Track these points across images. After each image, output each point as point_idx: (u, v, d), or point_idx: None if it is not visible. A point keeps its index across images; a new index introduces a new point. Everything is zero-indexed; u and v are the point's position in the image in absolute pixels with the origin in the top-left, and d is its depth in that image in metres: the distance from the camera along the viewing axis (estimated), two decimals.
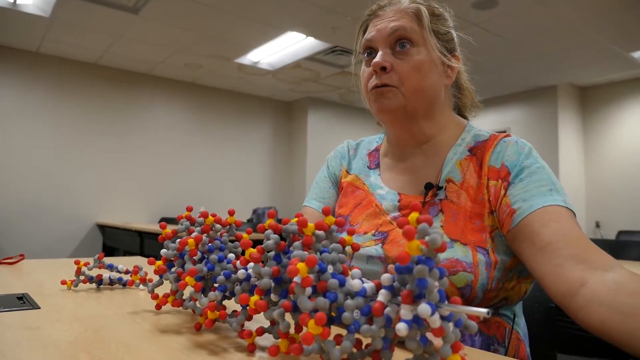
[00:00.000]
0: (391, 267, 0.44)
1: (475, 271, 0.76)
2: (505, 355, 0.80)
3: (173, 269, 0.69)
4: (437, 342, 0.41)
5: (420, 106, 0.88)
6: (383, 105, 0.88)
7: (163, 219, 5.75)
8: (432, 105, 0.90)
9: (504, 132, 0.91)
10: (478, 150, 0.88)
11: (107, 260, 0.98)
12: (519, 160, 0.82)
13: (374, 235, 0.88)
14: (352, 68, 1.00)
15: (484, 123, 6.54)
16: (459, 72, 0.95)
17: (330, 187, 1.07)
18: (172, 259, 0.69)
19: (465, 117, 1.01)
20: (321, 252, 0.52)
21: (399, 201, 0.90)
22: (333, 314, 0.48)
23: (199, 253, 0.66)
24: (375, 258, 0.85)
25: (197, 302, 0.64)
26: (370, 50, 0.91)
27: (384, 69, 0.86)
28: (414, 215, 0.41)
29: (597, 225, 6.01)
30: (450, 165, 0.88)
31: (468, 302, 0.77)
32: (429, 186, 0.87)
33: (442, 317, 0.40)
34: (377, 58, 0.86)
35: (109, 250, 5.45)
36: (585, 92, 6.30)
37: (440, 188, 0.86)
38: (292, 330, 0.53)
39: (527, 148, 0.84)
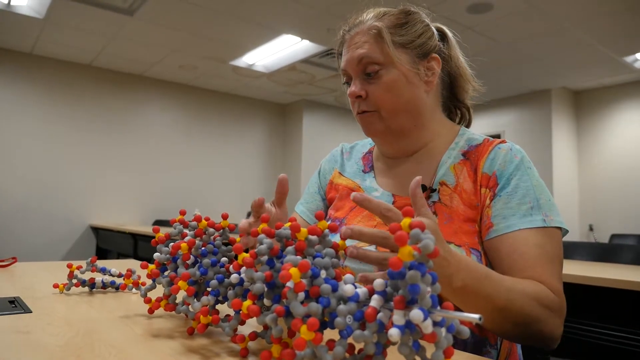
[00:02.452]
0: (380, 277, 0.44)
1: None
2: (497, 357, 0.80)
3: (166, 273, 0.68)
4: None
5: (404, 123, 0.89)
6: (369, 130, 0.92)
7: (157, 221, 5.73)
8: (418, 117, 0.90)
9: (498, 135, 0.92)
10: (472, 155, 0.88)
11: (100, 263, 0.97)
12: (508, 170, 0.83)
13: None
14: (340, 72, 1.00)
15: (478, 127, 6.56)
16: (451, 59, 0.94)
17: (316, 191, 1.09)
18: (165, 262, 0.69)
19: (467, 107, 1.01)
20: (314, 257, 0.52)
21: (393, 203, 0.91)
22: (326, 319, 0.48)
23: (192, 257, 0.66)
24: None
25: (189, 307, 0.64)
26: (348, 77, 0.93)
27: (359, 97, 0.89)
28: (406, 221, 0.41)
29: (591, 228, 6.04)
30: (444, 168, 0.89)
31: None
32: (422, 188, 0.88)
33: (435, 323, 0.40)
34: (352, 87, 0.89)
35: (103, 252, 5.42)
36: (578, 96, 6.34)
37: (433, 190, 0.87)
38: (284, 335, 0.52)
39: (520, 157, 0.85)
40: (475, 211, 0.83)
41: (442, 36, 0.95)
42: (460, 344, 0.78)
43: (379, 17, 0.90)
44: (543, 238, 0.78)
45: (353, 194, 0.59)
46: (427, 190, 0.88)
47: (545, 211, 0.79)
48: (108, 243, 5.19)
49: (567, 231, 0.83)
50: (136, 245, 4.35)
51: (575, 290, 1.61)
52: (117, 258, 5.05)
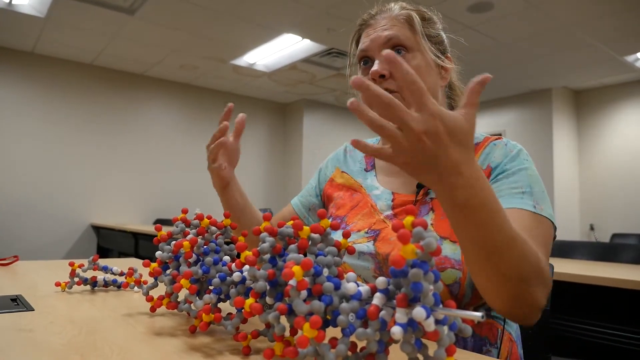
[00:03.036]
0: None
1: (464, 268, 0.77)
2: (498, 356, 0.81)
3: (168, 272, 0.68)
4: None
5: None
6: None
7: (157, 220, 5.73)
8: None
9: (500, 135, 0.92)
10: None
11: (102, 262, 0.97)
12: (503, 161, 0.83)
13: (366, 232, 0.90)
14: (347, 71, 1.01)
15: (478, 126, 6.52)
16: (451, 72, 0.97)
17: (312, 187, 1.12)
18: (167, 261, 0.69)
19: None
20: (316, 255, 0.52)
21: (392, 200, 0.92)
22: (328, 317, 0.48)
23: (194, 255, 0.66)
24: (366, 254, 0.87)
25: (192, 305, 0.64)
26: (367, 60, 0.92)
27: (382, 76, 0.87)
28: (409, 219, 0.41)
29: (592, 228, 6.04)
30: None
31: (457, 299, 0.78)
32: (420, 185, 0.89)
33: (437, 321, 0.40)
34: (375, 67, 0.87)
35: (104, 251, 5.43)
36: (579, 96, 6.33)
37: None
38: (287, 333, 0.53)
39: (516, 150, 0.85)
40: None
41: None
42: (460, 343, 0.78)
43: (405, 7, 0.93)
44: (531, 222, 0.75)
45: (353, 78, 0.52)
46: (425, 187, 0.88)
47: (537, 199, 0.78)
48: (109, 242, 5.19)
49: (556, 228, 0.81)
50: (137, 244, 4.36)
51: (576, 290, 1.61)
52: (118, 257, 5.05)
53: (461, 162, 0.54)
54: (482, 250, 0.61)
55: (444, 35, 0.95)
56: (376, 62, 0.88)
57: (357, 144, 0.54)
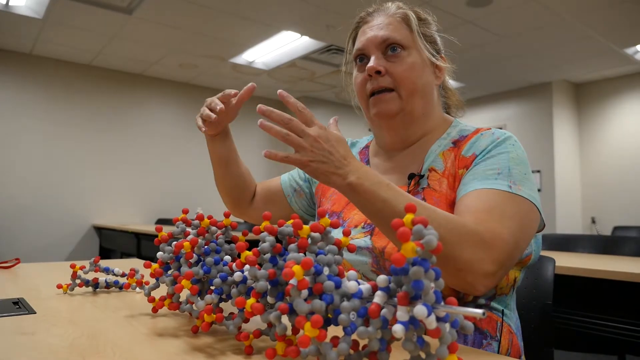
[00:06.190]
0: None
1: None
2: (498, 348, 0.81)
3: (169, 272, 0.69)
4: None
5: (417, 107, 0.91)
6: (382, 110, 0.91)
7: (159, 220, 5.74)
8: (428, 105, 0.93)
9: (500, 128, 0.92)
10: (460, 143, 0.90)
11: (103, 263, 0.97)
12: (487, 147, 0.84)
13: (363, 227, 0.90)
14: (343, 67, 1.04)
15: (479, 120, 6.55)
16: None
17: (304, 180, 1.14)
18: (168, 262, 0.69)
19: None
20: (317, 254, 0.52)
21: None
22: (329, 316, 0.48)
23: (195, 256, 0.66)
24: (363, 249, 0.87)
25: (193, 305, 0.64)
26: (362, 57, 0.94)
27: (378, 72, 0.89)
28: (409, 217, 0.41)
29: (593, 221, 6.03)
30: (433, 155, 0.91)
31: (458, 296, 0.79)
32: (411, 176, 0.90)
33: (439, 318, 0.40)
34: (371, 63, 0.89)
35: (106, 251, 5.44)
36: (579, 89, 6.32)
37: (422, 177, 0.88)
38: (289, 333, 0.53)
39: (503, 137, 0.85)
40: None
41: None
42: (460, 336, 0.78)
43: (401, 7, 0.94)
44: (502, 199, 0.74)
45: (259, 105, 0.69)
46: (416, 177, 0.89)
47: (514, 180, 0.77)
48: (111, 243, 5.20)
49: (540, 211, 0.79)
50: (139, 245, 4.36)
51: (578, 283, 1.61)
52: (121, 257, 5.06)
53: (348, 155, 0.72)
54: (383, 220, 0.71)
55: (437, 37, 0.97)
56: (372, 58, 0.90)
57: (269, 155, 0.69)
